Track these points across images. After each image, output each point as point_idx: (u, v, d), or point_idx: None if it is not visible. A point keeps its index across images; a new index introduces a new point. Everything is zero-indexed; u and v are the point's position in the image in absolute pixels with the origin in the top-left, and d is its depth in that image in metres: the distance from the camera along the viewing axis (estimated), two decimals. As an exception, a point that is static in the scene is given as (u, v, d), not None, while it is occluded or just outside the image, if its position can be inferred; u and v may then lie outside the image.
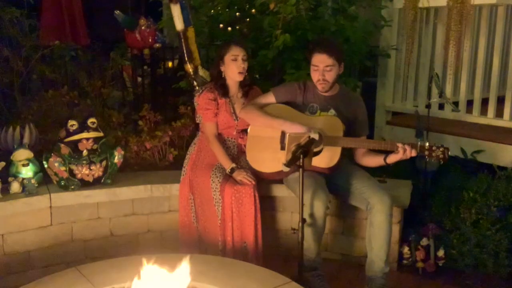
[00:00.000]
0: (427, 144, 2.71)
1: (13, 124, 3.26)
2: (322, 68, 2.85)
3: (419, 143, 2.73)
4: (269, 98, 3.03)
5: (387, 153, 2.81)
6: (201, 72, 3.56)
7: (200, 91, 3.18)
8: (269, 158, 2.95)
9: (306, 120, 2.90)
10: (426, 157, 2.69)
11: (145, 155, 3.59)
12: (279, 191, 3.20)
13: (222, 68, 3.08)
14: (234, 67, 3.03)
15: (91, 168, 3.08)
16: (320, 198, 2.70)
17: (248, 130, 3.06)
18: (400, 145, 2.71)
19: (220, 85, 3.10)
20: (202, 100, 3.11)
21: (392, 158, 2.78)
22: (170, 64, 5.42)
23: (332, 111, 2.96)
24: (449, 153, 2.70)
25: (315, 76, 2.90)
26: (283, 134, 2.91)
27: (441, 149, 2.67)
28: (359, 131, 3.03)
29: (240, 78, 3.06)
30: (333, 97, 2.99)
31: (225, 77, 3.10)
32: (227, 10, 4.10)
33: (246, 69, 3.05)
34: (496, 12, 4.12)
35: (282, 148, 2.88)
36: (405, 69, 4.40)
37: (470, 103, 4.11)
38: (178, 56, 4.94)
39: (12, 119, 3.74)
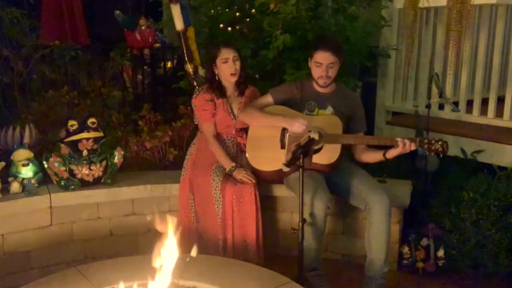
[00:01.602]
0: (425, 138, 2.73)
1: (13, 124, 3.26)
2: (326, 65, 2.87)
3: (418, 138, 2.75)
4: (267, 99, 3.04)
5: (386, 148, 2.82)
6: (201, 72, 3.56)
7: (197, 92, 3.18)
8: (269, 157, 2.95)
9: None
10: (426, 151, 2.71)
11: (145, 155, 3.59)
12: (279, 191, 3.20)
13: (216, 71, 3.08)
14: (226, 69, 3.03)
15: (91, 168, 3.08)
16: (321, 197, 2.70)
17: (248, 129, 3.06)
18: (399, 139, 2.72)
19: (216, 87, 3.10)
20: (199, 102, 3.11)
21: (391, 153, 2.79)
22: (170, 64, 5.42)
23: (329, 108, 2.98)
24: (449, 153, 2.71)
25: (317, 72, 2.91)
26: (283, 132, 2.91)
27: (439, 143, 2.68)
28: (357, 127, 3.04)
29: (233, 78, 3.06)
30: (330, 94, 3.00)
31: (220, 78, 3.11)
32: (227, 10, 4.10)
33: (238, 69, 3.05)
34: (496, 12, 4.11)
35: (283, 147, 2.89)
36: (405, 69, 4.39)
37: (470, 103, 4.10)
38: (178, 56, 4.93)
39: (12, 119, 3.74)
